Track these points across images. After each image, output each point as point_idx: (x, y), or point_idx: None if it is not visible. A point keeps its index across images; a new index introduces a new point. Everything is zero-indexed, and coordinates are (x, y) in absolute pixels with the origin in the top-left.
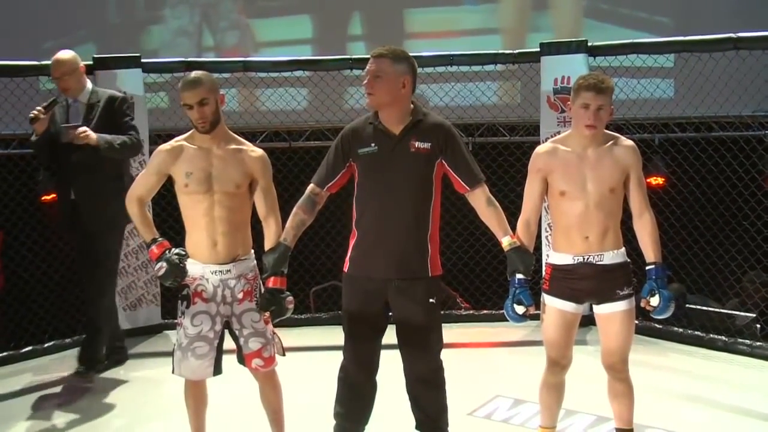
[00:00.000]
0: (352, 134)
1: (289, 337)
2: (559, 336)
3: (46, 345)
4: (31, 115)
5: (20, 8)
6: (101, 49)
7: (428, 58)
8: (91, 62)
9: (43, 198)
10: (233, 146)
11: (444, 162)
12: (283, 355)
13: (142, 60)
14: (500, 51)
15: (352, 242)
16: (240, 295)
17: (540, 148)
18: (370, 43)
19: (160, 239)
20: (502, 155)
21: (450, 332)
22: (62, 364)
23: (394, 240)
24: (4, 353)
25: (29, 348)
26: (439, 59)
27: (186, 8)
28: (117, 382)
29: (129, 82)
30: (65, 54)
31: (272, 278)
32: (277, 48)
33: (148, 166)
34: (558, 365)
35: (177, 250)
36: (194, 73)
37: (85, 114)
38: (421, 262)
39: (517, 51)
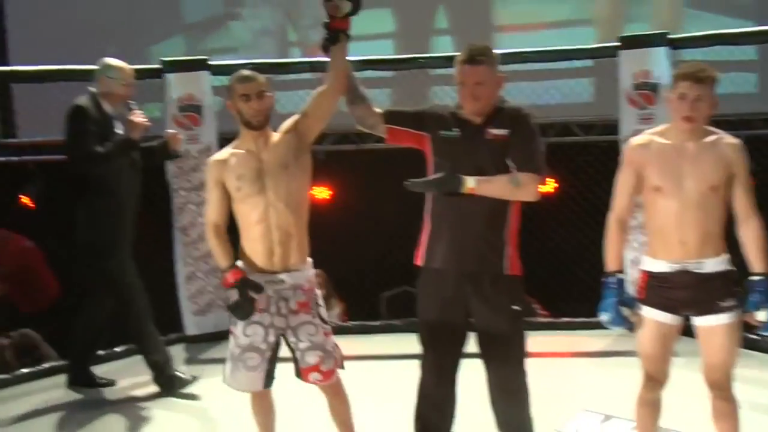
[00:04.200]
0: (435, 113)
1: (361, 345)
2: (655, 349)
3: (115, 350)
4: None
5: (78, 12)
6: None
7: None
8: (159, 65)
9: None
10: (276, 138)
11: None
12: (342, 368)
13: (210, 62)
14: (576, 47)
15: (424, 233)
16: (295, 307)
17: (634, 140)
18: (456, 37)
19: (235, 265)
20: (581, 155)
21: (528, 341)
22: (133, 366)
23: (468, 231)
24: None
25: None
26: (510, 57)
27: (267, 6)
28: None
29: (197, 86)
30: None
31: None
32: (358, 43)
33: (207, 184)
34: (655, 381)
35: (253, 282)
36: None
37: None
38: (498, 257)
39: (593, 46)
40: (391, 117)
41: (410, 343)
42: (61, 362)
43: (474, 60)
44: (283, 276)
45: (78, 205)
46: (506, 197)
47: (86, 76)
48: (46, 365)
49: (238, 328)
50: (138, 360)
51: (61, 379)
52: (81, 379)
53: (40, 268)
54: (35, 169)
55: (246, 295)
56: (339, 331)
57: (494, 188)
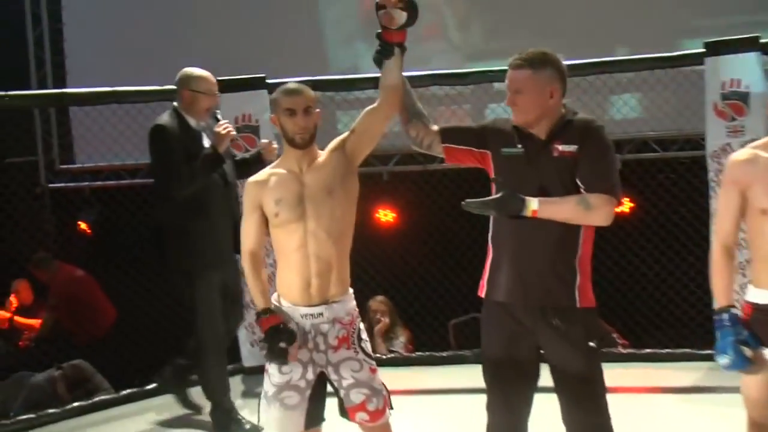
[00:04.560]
0: (496, 129)
1: (427, 377)
2: (764, 393)
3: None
4: (231, 130)
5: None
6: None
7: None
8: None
9: None
10: (322, 157)
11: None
12: (391, 408)
13: (268, 81)
14: (656, 54)
15: (488, 261)
16: (335, 342)
17: (736, 156)
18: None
19: (270, 310)
20: (662, 172)
21: (607, 374)
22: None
23: (532, 261)
24: (129, 390)
25: (155, 385)
26: (584, 67)
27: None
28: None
29: (255, 104)
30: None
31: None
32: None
33: (245, 207)
34: (762, 428)
35: (286, 331)
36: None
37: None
38: (567, 288)
39: (676, 53)
40: (448, 135)
41: (480, 375)
42: (113, 395)
43: (514, 64)
44: (321, 309)
45: (167, 229)
46: (575, 221)
47: (151, 97)
48: (97, 398)
49: (273, 365)
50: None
51: (114, 413)
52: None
53: (92, 296)
54: (92, 195)
55: (276, 346)
56: (403, 362)
57: (561, 211)
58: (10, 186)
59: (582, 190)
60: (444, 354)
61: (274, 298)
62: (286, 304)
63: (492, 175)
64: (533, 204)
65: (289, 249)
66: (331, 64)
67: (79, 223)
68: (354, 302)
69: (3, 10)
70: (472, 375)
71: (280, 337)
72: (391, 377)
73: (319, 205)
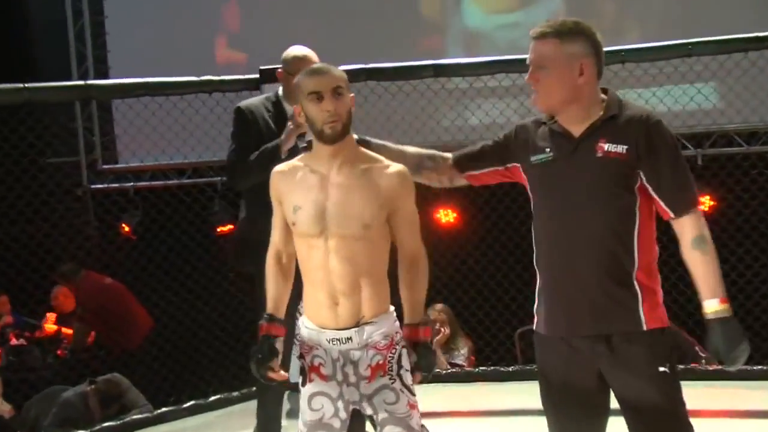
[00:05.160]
0: (523, 134)
1: (491, 394)
2: None
3: (210, 399)
4: (300, 121)
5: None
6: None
7: (632, 51)
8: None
9: (219, 229)
10: (361, 166)
11: (642, 174)
12: None
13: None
14: (733, 36)
15: (535, 289)
16: (367, 372)
17: None
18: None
19: (273, 320)
20: (741, 169)
21: (690, 393)
22: (229, 420)
23: (583, 281)
24: (164, 409)
25: (191, 403)
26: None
27: None
28: None
29: None
30: (310, 51)
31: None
32: None
33: (271, 197)
34: None
35: (275, 347)
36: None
37: None
38: (628, 310)
39: (753, 35)
40: (464, 164)
41: None
42: (145, 414)
43: (538, 33)
44: (350, 333)
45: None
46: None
47: (186, 89)
48: (128, 418)
49: (304, 399)
50: None
51: None
52: None
53: (122, 305)
54: (136, 197)
55: (257, 357)
56: (465, 378)
57: (714, 272)
58: (47, 186)
59: (663, 206)
60: (510, 369)
61: (300, 321)
62: (310, 327)
63: (528, 189)
64: (718, 303)
65: (311, 265)
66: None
67: (123, 225)
68: (395, 322)
69: (42, 3)
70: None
71: (266, 348)
72: (451, 396)
73: (343, 224)
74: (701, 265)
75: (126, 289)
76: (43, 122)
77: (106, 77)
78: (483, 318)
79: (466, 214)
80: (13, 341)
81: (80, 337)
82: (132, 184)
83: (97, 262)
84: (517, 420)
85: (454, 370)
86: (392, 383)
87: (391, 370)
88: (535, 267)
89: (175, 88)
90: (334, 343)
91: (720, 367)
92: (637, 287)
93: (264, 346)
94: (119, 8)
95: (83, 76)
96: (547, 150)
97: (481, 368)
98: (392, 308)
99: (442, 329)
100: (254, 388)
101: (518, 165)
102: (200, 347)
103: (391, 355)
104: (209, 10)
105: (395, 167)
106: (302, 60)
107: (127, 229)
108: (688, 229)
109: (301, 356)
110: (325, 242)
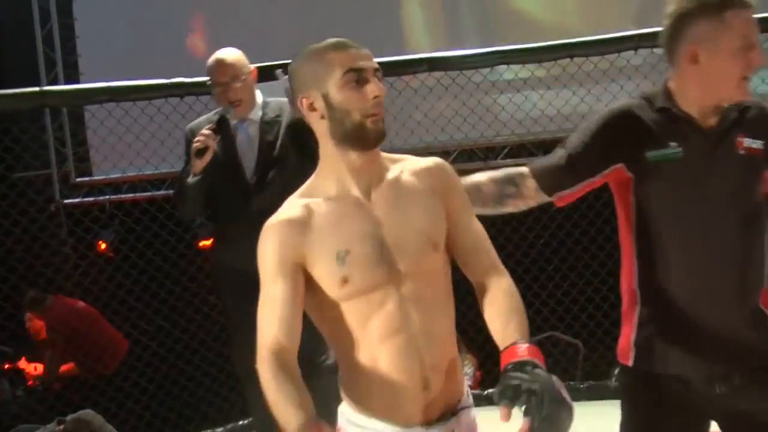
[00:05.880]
0: (628, 122)
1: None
2: None
3: None
4: (198, 143)
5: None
6: None
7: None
8: None
9: (201, 244)
10: (393, 170)
11: None
12: None
13: None
14: None
15: (633, 316)
16: None
17: None
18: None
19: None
20: None
21: None
22: None
23: (725, 308)
24: None
25: None
26: None
27: None
28: None
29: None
30: (232, 52)
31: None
32: None
33: (264, 270)
34: None
35: None
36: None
37: (261, 137)
38: (765, 336)
39: None
40: (553, 183)
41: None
42: None
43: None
44: (451, 424)
45: None
46: None
47: (155, 93)
48: None
49: None
50: None
51: None
52: None
53: (99, 329)
54: (112, 211)
55: None
56: (474, 401)
57: None
58: (18, 205)
59: None
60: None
61: (344, 419)
62: (375, 428)
63: (631, 192)
64: None
65: (375, 336)
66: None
67: (99, 242)
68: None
69: (5, 5)
70: None
71: None
72: None
73: (414, 252)
74: None
75: (98, 312)
76: (11, 133)
77: (78, 83)
78: (486, 330)
79: None
80: None
81: (52, 367)
82: (108, 197)
83: (73, 283)
84: None
85: None
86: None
87: None
88: (638, 292)
89: (143, 92)
90: None
91: None
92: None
93: None
94: (90, 10)
95: (53, 83)
96: (673, 144)
97: (488, 391)
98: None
99: None
100: (241, 423)
101: (621, 165)
102: (178, 380)
103: None
104: (184, 10)
105: (431, 159)
106: (210, 68)
107: (104, 246)
108: None
109: None
110: (397, 290)
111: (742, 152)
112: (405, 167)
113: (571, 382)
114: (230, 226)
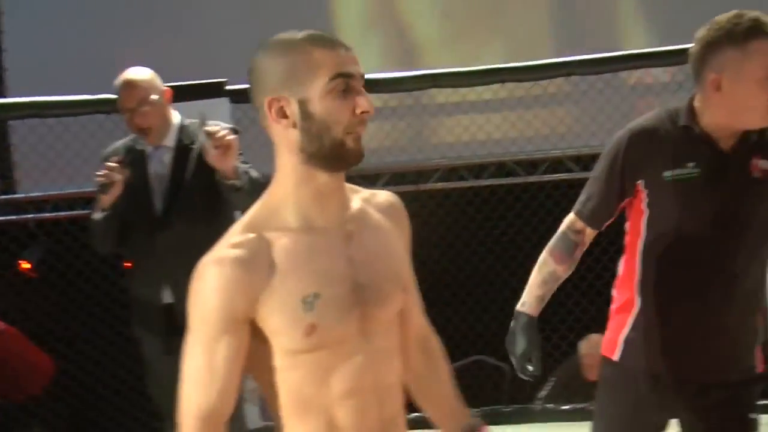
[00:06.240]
0: (649, 141)
1: None
2: None
3: None
4: (102, 177)
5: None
6: None
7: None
8: None
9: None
10: (357, 203)
11: None
12: None
13: (228, 87)
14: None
15: (630, 314)
16: None
17: None
18: None
19: None
20: None
21: None
22: None
23: (722, 324)
24: None
25: None
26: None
27: None
28: None
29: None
30: (139, 73)
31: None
32: None
33: (201, 323)
34: None
35: None
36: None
37: (174, 166)
38: (752, 353)
39: None
40: (601, 218)
41: None
42: None
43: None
44: None
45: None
46: None
47: (81, 109)
48: None
49: None
50: None
51: None
52: None
53: (21, 350)
54: (38, 230)
55: None
56: (415, 425)
57: None
58: None
59: None
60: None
61: None
62: None
63: (642, 208)
64: None
65: (336, 393)
66: None
67: (20, 262)
68: None
69: None
70: None
71: None
72: None
73: (385, 297)
74: None
75: (20, 333)
76: None
77: (3, 98)
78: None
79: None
80: None
81: None
82: (33, 215)
83: None
84: None
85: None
86: None
87: None
88: (638, 291)
89: (68, 108)
90: None
91: None
92: (758, 328)
93: None
94: (19, 23)
95: None
96: (690, 165)
97: (414, 415)
98: None
99: None
100: None
101: (640, 182)
102: (106, 408)
103: None
104: (114, 25)
105: (387, 194)
106: (120, 93)
107: (27, 266)
108: None
109: None
110: (368, 339)
111: (757, 175)
112: (365, 199)
113: (497, 406)
114: (140, 260)
